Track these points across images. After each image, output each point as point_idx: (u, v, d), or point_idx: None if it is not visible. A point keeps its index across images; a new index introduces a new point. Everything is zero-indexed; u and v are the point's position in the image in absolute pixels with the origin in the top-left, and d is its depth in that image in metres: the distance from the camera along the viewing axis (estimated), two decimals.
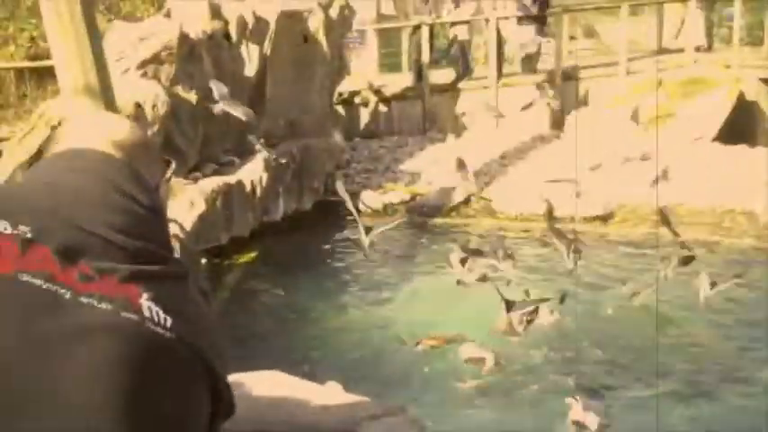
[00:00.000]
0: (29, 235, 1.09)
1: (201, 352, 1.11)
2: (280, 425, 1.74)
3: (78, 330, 1.04)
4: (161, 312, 1.09)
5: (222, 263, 8.36)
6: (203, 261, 7.67)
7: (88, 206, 1.17)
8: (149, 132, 8.41)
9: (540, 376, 5.85)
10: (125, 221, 1.17)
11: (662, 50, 16.38)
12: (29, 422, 1.00)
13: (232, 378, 1.95)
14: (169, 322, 1.09)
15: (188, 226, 7.89)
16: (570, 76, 14.04)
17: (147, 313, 1.08)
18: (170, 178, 1.45)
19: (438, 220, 10.41)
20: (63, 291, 1.06)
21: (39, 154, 1.35)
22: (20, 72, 12.63)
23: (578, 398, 4.90)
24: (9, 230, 1.09)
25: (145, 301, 1.09)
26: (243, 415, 2.00)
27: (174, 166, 1.48)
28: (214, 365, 1.14)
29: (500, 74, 14.23)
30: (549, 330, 6.36)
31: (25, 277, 1.06)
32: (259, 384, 1.88)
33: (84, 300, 1.07)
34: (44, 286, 1.06)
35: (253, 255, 8.75)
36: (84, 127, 1.38)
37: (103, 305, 1.07)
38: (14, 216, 1.11)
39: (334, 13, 11.93)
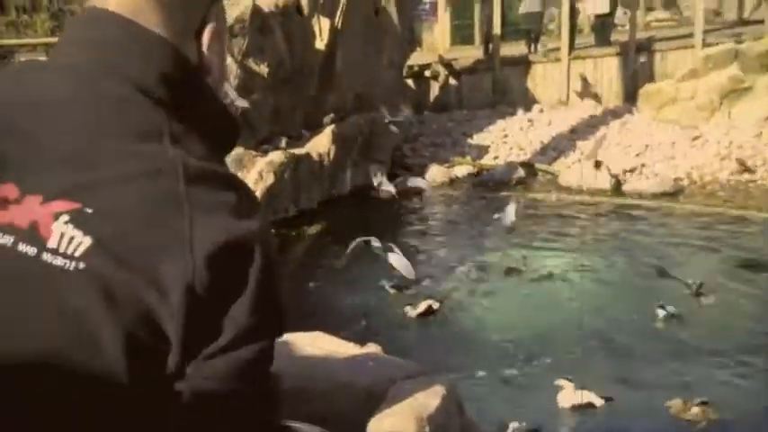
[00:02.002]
0: None
1: (118, 284, 0.90)
2: (321, 381, 1.87)
3: None
4: (79, 236, 0.90)
5: (289, 234, 8.56)
6: (272, 232, 7.89)
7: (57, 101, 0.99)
8: None
9: None
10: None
11: (742, 22, 15.91)
12: None
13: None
14: (83, 247, 0.90)
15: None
16: (645, 47, 13.76)
17: (52, 242, 0.91)
18: (224, 28, 1.16)
19: (503, 194, 10.44)
20: None
21: None
22: None
23: (571, 378, 4.80)
24: None
25: (58, 225, 0.91)
26: (287, 371, 2.15)
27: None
28: (144, 299, 0.90)
29: (572, 46, 14.04)
30: None
31: None
32: (303, 343, 2.03)
33: None
34: None
35: (319, 227, 8.92)
36: None
37: (6, 239, 0.92)
38: None
39: None
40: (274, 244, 1.03)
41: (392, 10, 11.74)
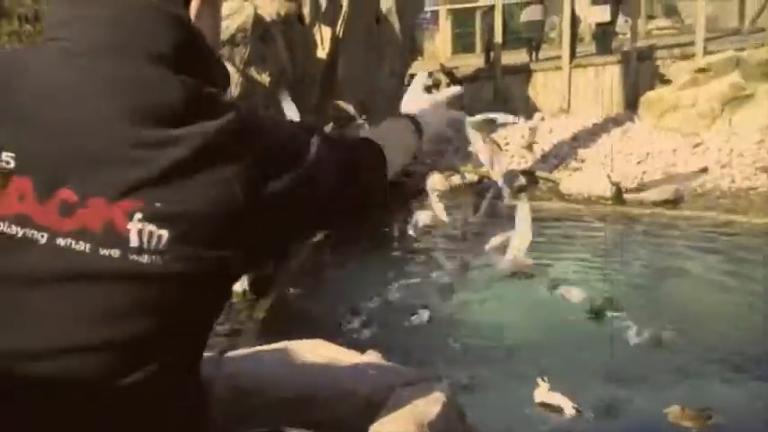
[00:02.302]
0: (11, 164, 0.93)
1: (208, 263, 0.96)
2: (321, 388, 1.87)
3: (51, 282, 0.92)
4: (155, 229, 0.92)
5: None
6: None
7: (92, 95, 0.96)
8: None
9: None
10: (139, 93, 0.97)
11: (744, 30, 15.93)
12: None
13: (277, 346, 2.11)
14: (164, 239, 0.93)
15: None
16: (646, 56, 13.78)
17: (134, 241, 0.92)
18: None
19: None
20: (39, 235, 0.92)
21: None
22: None
23: (546, 378, 4.86)
24: None
25: (134, 223, 0.92)
26: (287, 380, 2.15)
27: None
28: (231, 268, 1.00)
29: (573, 54, 14.07)
30: None
31: (1, 227, 0.92)
32: (302, 351, 2.03)
33: (60, 242, 0.92)
34: (19, 234, 0.92)
35: (321, 234, 8.89)
36: None
37: (80, 245, 0.92)
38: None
39: None
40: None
41: (394, 19, 11.78)
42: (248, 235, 0.99)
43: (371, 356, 2.28)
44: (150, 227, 0.92)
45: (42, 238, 0.92)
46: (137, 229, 0.92)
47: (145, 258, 0.92)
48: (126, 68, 0.97)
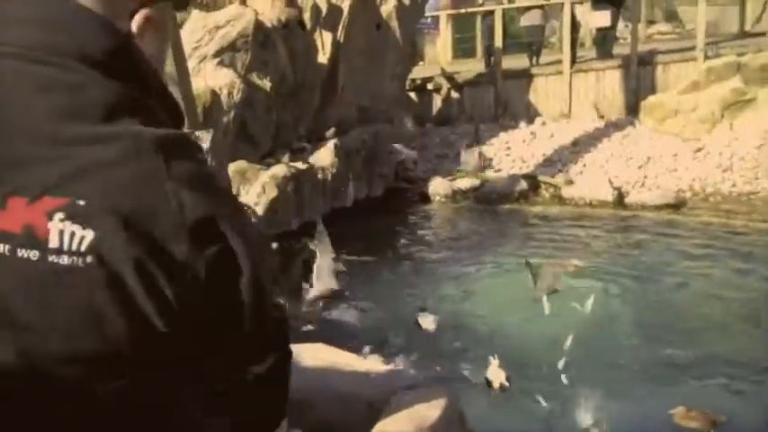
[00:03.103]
0: None
1: (123, 276, 0.88)
2: (323, 392, 1.88)
3: None
4: (78, 229, 0.87)
5: (292, 248, 8.56)
6: (274, 246, 7.90)
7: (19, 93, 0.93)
8: (225, 119, 8.71)
9: None
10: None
11: (743, 34, 15.95)
12: None
13: None
14: (87, 239, 0.88)
15: (260, 211, 8.13)
16: (647, 60, 13.79)
17: (53, 242, 0.88)
18: (167, 20, 1.13)
19: (505, 207, 10.45)
20: None
21: None
22: None
23: (495, 356, 5.20)
24: None
25: (55, 224, 0.88)
26: (291, 383, 2.16)
27: None
28: (157, 284, 0.89)
29: (574, 59, 14.08)
30: None
31: None
32: (305, 355, 2.04)
33: None
34: None
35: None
36: None
37: (1, 247, 0.88)
38: None
39: None
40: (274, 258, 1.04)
41: (394, 24, 11.80)
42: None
43: (373, 360, 2.30)
44: (73, 227, 0.87)
45: None
46: (58, 229, 0.87)
47: (65, 259, 0.88)
48: (53, 69, 0.94)
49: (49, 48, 0.95)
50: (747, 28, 16.47)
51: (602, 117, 13.17)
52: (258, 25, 9.44)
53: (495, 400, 5.10)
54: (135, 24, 1.04)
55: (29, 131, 0.91)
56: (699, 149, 11.16)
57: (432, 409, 1.74)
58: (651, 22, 20.25)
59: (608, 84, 13.77)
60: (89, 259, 0.87)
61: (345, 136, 10.32)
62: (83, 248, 0.87)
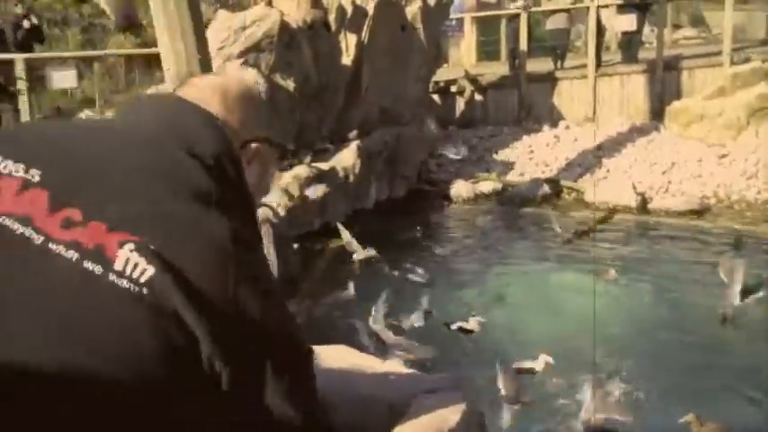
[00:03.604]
0: (36, 179, 1.06)
1: (176, 313, 0.98)
2: (343, 394, 1.88)
3: (28, 278, 0.99)
4: (143, 263, 0.98)
5: (314, 248, 8.59)
6: (295, 246, 7.93)
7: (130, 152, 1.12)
8: None
9: None
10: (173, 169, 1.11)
11: None
12: None
13: None
14: (148, 274, 0.98)
15: (282, 211, 8.16)
16: (672, 65, 13.69)
17: (118, 264, 0.99)
18: (271, 161, 1.35)
19: (528, 210, 10.42)
20: (36, 236, 1.01)
21: None
22: (129, 59, 13.28)
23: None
24: (20, 173, 1.06)
25: (124, 251, 0.99)
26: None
27: (280, 150, 1.42)
28: (194, 330, 0.99)
29: (599, 63, 14.01)
30: None
31: (6, 221, 1.02)
32: (326, 356, 2.04)
33: (52, 247, 1.00)
34: (18, 231, 1.01)
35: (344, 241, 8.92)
36: (203, 78, 1.36)
37: (70, 254, 0.99)
38: (32, 159, 1.08)
39: (431, 1, 12.02)
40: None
41: (419, 26, 11.79)
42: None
43: (394, 363, 2.30)
44: (138, 259, 0.99)
45: (38, 239, 1.01)
46: (125, 256, 0.99)
47: (124, 283, 0.98)
48: (167, 154, 1.12)
49: (171, 134, 1.15)
50: None
51: (626, 121, 13.07)
52: (283, 26, 9.48)
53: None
54: (246, 153, 1.26)
55: (130, 181, 1.07)
56: (724, 155, 11.06)
57: (452, 414, 1.75)
58: (677, 27, 20.08)
59: (633, 88, 13.69)
60: (144, 290, 0.98)
61: (368, 137, 10.33)
62: (142, 279, 0.98)
